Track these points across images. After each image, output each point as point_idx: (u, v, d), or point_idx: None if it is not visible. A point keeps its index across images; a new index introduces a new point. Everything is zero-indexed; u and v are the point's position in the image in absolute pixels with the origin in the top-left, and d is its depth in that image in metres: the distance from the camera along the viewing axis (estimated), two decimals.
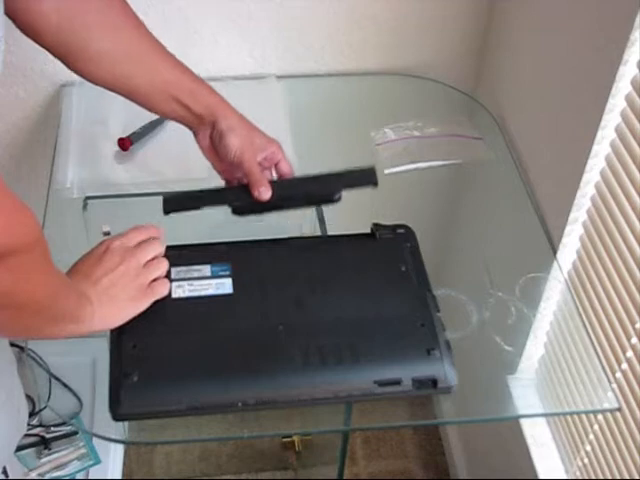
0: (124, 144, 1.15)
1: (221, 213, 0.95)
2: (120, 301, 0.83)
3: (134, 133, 1.17)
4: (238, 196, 0.96)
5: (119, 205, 1.12)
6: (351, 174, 1.02)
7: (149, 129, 1.18)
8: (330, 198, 1.00)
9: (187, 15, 1.24)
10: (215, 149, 0.95)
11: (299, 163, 1.17)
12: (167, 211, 0.97)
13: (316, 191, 1.01)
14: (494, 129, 1.28)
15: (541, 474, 1.18)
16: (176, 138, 1.20)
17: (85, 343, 1.42)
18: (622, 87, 0.92)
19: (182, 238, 0.98)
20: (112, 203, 1.11)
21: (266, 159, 0.96)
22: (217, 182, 1.00)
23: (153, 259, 0.88)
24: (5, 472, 1.09)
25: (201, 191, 0.98)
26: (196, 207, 0.97)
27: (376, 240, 0.99)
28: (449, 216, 1.52)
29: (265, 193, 0.92)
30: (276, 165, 0.98)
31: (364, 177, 1.02)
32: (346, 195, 1.32)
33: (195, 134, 0.95)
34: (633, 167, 0.91)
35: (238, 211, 0.97)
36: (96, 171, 1.14)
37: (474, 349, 1.02)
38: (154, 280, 0.87)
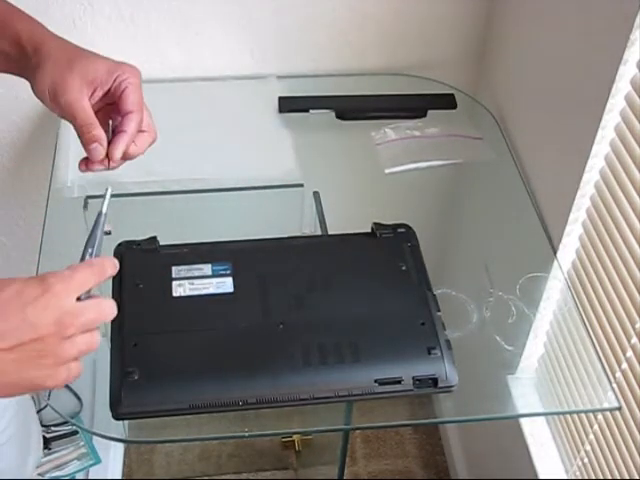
0: None
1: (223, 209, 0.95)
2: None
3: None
4: (343, 102, 1.23)
5: (120, 204, 1.12)
6: (434, 97, 1.26)
7: None
8: (416, 114, 1.22)
9: (187, 15, 1.24)
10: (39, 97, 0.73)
11: (300, 163, 1.18)
12: (282, 110, 1.22)
13: (405, 106, 1.24)
14: (494, 129, 1.28)
15: (541, 474, 1.18)
16: (176, 138, 1.20)
17: None
18: (622, 87, 0.92)
19: (183, 237, 0.99)
20: (113, 202, 1.11)
21: (109, 93, 0.72)
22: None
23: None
24: None
25: (312, 96, 1.20)
26: (306, 109, 1.22)
27: (376, 239, 1.00)
28: (449, 216, 1.52)
29: (95, 151, 0.70)
30: (120, 95, 0.72)
31: (444, 101, 1.26)
32: (346, 194, 1.33)
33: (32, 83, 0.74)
34: (633, 167, 0.91)
35: (341, 116, 1.20)
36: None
37: (474, 348, 1.03)
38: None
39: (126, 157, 0.74)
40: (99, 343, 0.63)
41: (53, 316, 0.57)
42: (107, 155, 0.73)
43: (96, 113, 0.73)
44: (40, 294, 0.57)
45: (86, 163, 0.72)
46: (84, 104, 0.71)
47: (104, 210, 0.71)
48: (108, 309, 0.63)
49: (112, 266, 0.65)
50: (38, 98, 0.73)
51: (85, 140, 0.70)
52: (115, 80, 0.72)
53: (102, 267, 0.64)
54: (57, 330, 0.58)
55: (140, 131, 0.75)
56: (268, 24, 1.27)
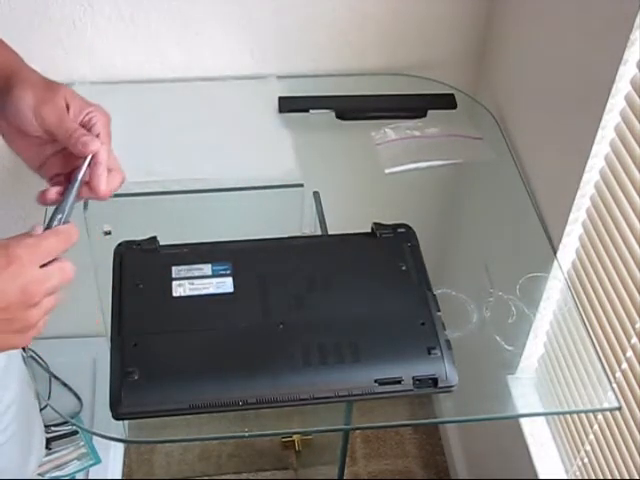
0: None
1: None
2: None
3: None
4: (343, 102, 1.23)
5: (120, 204, 1.12)
6: (434, 97, 1.26)
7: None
8: (416, 114, 1.23)
9: (187, 16, 1.24)
10: (13, 122, 0.71)
11: (300, 163, 1.18)
12: (282, 110, 1.22)
13: (405, 106, 1.24)
14: (494, 129, 1.28)
15: (541, 474, 1.18)
16: (176, 138, 1.21)
17: (85, 342, 1.42)
18: (622, 87, 0.92)
19: (183, 237, 0.99)
20: (113, 202, 1.11)
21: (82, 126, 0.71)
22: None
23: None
24: None
25: (312, 96, 1.21)
26: (306, 109, 1.22)
27: (376, 239, 1.00)
28: (449, 216, 1.52)
29: (92, 144, 0.69)
30: (90, 129, 0.72)
31: (444, 101, 1.26)
32: (346, 194, 1.33)
33: None
34: (633, 167, 0.91)
35: (341, 116, 1.21)
36: None
37: (474, 348, 1.03)
38: None
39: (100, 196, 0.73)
40: (60, 299, 0.64)
41: (20, 286, 0.59)
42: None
43: (56, 154, 0.73)
44: (6, 265, 0.58)
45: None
46: (68, 119, 0.71)
47: (79, 177, 0.70)
48: (70, 272, 0.64)
49: (77, 233, 0.66)
50: (8, 117, 0.72)
51: (75, 139, 0.70)
52: (86, 115, 0.72)
53: (69, 235, 0.64)
54: (24, 299, 0.60)
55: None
56: (268, 24, 1.27)
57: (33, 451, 1.16)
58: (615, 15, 0.90)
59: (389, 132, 1.24)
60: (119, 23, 1.23)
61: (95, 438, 1.54)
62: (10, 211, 1.46)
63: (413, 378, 0.86)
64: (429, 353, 0.87)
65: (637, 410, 0.96)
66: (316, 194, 1.16)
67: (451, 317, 0.95)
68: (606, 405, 0.99)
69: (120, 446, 1.61)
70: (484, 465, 1.58)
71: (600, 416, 1.06)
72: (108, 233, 1.10)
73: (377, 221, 1.02)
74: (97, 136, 0.71)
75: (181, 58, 1.30)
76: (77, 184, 0.70)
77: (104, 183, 0.71)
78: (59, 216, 0.67)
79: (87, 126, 0.72)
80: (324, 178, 1.21)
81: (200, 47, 1.29)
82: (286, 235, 1.02)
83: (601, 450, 1.07)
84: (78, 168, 0.71)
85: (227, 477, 1.76)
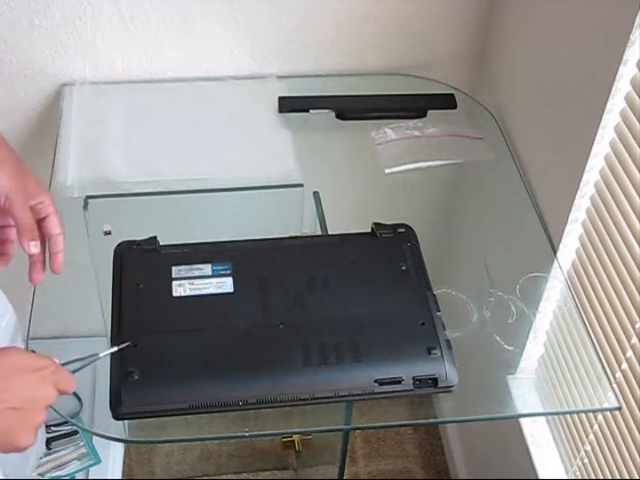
0: None
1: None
2: None
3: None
4: (343, 102, 1.23)
5: (120, 204, 1.12)
6: (434, 97, 1.26)
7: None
8: (416, 114, 1.23)
9: (187, 16, 1.24)
10: None
11: (300, 163, 1.18)
12: (282, 110, 1.22)
13: (405, 106, 1.24)
14: (494, 129, 1.28)
15: (541, 474, 1.18)
16: (176, 138, 1.21)
17: (85, 342, 1.42)
18: (622, 87, 0.92)
19: (183, 237, 0.99)
20: (113, 202, 1.11)
21: (33, 209, 0.80)
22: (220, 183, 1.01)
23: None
24: None
25: (312, 96, 1.21)
26: (306, 109, 1.22)
27: (377, 239, 1.00)
28: (449, 216, 1.52)
29: (34, 248, 0.78)
30: (43, 219, 0.81)
31: (445, 101, 1.26)
32: (346, 194, 1.33)
33: None
34: (633, 167, 0.91)
35: (341, 116, 1.21)
36: (97, 170, 1.14)
37: (474, 348, 1.03)
38: None
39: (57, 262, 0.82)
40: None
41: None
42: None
43: None
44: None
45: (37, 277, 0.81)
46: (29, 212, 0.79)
47: (101, 355, 0.81)
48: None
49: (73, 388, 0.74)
50: None
51: (27, 238, 0.78)
52: (39, 203, 0.81)
53: (70, 384, 0.73)
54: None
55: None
56: (268, 24, 1.27)
57: (32, 451, 1.16)
58: (615, 15, 0.90)
59: (389, 132, 1.24)
60: (119, 23, 1.23)
61: (95, 438, 1.54)
62: None
63: (413, 378, 0.86)
64: (429, 353, 0.88)
65: (637, 410, 0.96)
66: (316, 194, 1.17)
67: (451, 317, 0.95)
68: (606, 405, 0.99)
69: (120, 446, 1.61)
70: (484, 465, 1.59)
71: (600, 416, 1.06)
72: (108, 233, 1.10)
73: (377, 221, 1.02)
74: (47, 217, 0.81)
75: (181, 58, 1.30)
76: (95, 359, 0.80)
77: (61, 266, 0.81)
78: (75, 366, 0.77)
79: (35, 209, 0.80)
80: (324, 178, 1.21)
81: (200, 47, 1.29)
82: (286, 235, 1.02)
83: (601, 450, 1.07)
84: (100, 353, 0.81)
85: (227, 477, 1.76)
